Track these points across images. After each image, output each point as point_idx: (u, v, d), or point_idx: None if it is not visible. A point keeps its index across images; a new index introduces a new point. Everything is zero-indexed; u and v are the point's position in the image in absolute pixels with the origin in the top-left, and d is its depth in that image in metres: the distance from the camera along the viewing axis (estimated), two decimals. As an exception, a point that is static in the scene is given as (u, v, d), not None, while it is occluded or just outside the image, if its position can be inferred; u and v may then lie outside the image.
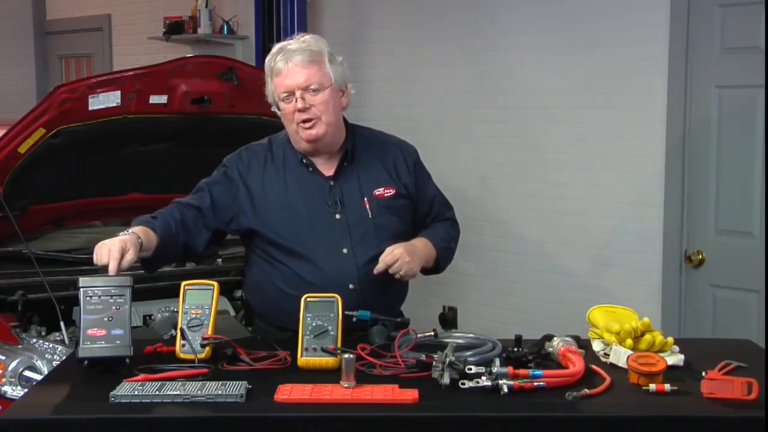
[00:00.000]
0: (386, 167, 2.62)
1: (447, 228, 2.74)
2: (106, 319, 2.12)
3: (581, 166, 4.19)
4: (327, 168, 2.58)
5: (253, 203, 2.55)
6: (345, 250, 2.50)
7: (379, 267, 2.45)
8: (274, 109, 2.57)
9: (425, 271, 2.64)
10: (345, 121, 2.63)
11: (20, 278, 3.13)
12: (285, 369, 2.15)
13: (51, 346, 2.80)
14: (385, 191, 2.58)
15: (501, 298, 4.52)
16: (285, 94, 2.48)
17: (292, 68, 2.47)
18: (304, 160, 2.57)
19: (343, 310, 2.22)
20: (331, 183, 2.56)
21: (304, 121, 2.48)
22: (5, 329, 2.89)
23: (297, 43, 2.51)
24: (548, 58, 4.28)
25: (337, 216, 2.53)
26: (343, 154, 2.58)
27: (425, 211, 2.70)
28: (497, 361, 2.00)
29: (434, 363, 2.02)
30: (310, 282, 2.45)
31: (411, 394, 1.91)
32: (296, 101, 2.46)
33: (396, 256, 2.45)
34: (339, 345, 2.14)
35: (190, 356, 2.16)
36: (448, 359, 1.99)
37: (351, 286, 2.48)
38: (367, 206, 2.55)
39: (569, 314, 3.96)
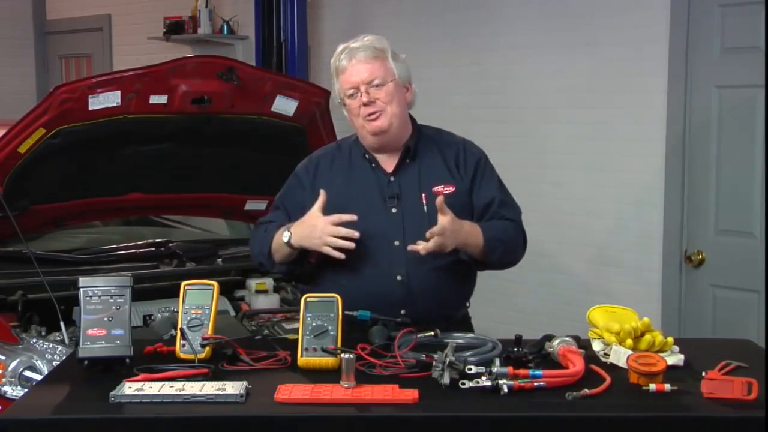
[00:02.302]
0: (448, 165, 2.62)
1: (506, 225, 2.62)
2: (106, 319, 2.12)
3: (581, 166, 4.19)
4: (389, 164, 2.61)
5: (314, 198, 2.55)
6: (396, 243, 2.52)
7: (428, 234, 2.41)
8: (340, 106, 2.62)
9: (477, 264, 2.59)
10: (413, 119, 2.66)
11: (20, 278, 3.12)
12: (285, 369, 2.15)
13: (51, 346, 2.80)
14: (445, 188, 2.57)
15: (501, 298, 4.52)
16: (350, 91, 2.54)
17: (355, 65, 2.53)
18: (367, 156, 2.61)
19: (344, 309, 2.22)
20: (391, 178, 2.59)
21: (369, 114, 2.52)
22: (5, 329, 2.89)
23: (360, 41, 2.57)
24: (548, 58, 4.28)
25: (393, 210, 2.55)
26: (404, 151, 2.60)
27: (480, 212, 2.63)
28: (497, 361, 2.01)
29: (434, 363, 2.02)
30: (360, 271, 2.49)
31: (411, 394, 1.91)
32: (361, 96, 2.51)
33: (442, 230, 2.40)
34: (339, 345, 2.14)
35: (190, 356, 2.16)
36: (448, 359, 1.99)
37: (399, 277, 2.50)
38: (424, 201, 2.54)
39: (569, 314, 3.96)
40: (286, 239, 2.51)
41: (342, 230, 2.42)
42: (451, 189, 2.57)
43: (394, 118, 2.54)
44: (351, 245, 2.43)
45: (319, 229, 2.44)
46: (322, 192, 2.50)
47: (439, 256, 2.48)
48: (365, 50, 2.54)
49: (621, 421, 1.88)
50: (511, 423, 1.87)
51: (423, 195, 2.55)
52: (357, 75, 2.53)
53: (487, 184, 2.65)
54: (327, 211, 2.50)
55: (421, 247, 2.41)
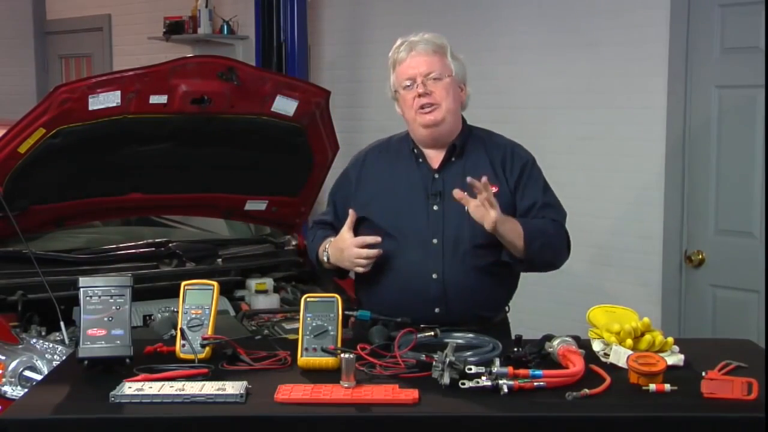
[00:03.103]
0: (493, 166, 2.61)
1: (545, 222, 2.57)
2: (106, 319, 2.12)
3: (581, 166, 4.19)
4: (436, 161, 2.61)
5: (358, 190, 2.60)
6: (435, 241, 2.51)
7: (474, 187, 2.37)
8: (392, 99, 2.63)
9: (518, 262, 2.54)
10: (463, 120, 2.67)
11: (20, 278, 3.12)
12: (285, 369, 2.16)
13: (51, 346, 2.80)
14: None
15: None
16: (407, 82, 2.55)
17: (414, 56, 2.54)
18: (415, 150, 2.61)
19: (344, 309, 2.22)
20: (436, 175, 2.58)
21: (423, 107, 2.52)
22: (5, 329, 2.89)
23: (420, 36, 2.58)
24: (548, 58, 4.28)
25: (435, 207, 2.54)
26: (449, 148, 2.60)
27: (522, 215, 2.58)
28: (497, 361, 2.01)
29: (434, 363, 2.02)
30: (395, 268, 2.50)
31: (411, 394, 1.91)
32: (417, 87, 2.51)
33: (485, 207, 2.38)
34: (339, 345, 2.14)
35: (190, 356, 2.17)
36: (448, 359, 1.99)
37: (434, 276, 2.49)
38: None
39: (569, 314, 3.96)
40: (325, 258, 2.58)
41: (369, 252, 2.45)
42: (494, 189, 2.52)
43: (448, 113, 2.54)
44: (379, 252, 2.46)
45: (345, 252, 2.49)
46: (351, 212, 2.52)
47: (478, 257, 2.49)
48: (425, 44, 2.55)
49: (621, 421, 1.88)
50: (511, 423, 1.87)
51: (466, 194, 2.46)
52: (415, 67, 2.53)
53: (531, 188, 2.61)
54: (371, 204, 2.55)
55: (482, 181, 2.36)
